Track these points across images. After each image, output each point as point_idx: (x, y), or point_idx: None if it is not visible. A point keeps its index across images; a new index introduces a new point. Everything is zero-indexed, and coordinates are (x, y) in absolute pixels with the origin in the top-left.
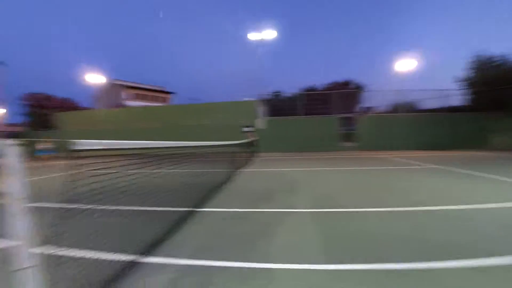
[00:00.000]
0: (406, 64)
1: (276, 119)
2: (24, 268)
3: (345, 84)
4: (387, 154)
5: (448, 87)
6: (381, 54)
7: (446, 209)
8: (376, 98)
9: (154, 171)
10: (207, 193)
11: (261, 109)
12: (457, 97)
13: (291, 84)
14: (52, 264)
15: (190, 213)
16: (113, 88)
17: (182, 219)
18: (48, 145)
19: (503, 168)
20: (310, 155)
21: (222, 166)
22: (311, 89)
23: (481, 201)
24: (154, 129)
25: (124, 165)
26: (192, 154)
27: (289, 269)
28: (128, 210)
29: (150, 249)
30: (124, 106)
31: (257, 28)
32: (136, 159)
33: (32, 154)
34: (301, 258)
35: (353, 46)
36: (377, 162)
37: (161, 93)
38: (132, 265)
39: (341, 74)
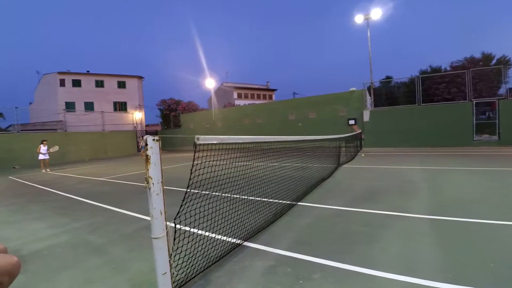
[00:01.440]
0: None
1: (385, 110)
2: (158, 237)
3: (484, 59)
4: None
5: None
6: None
7: None
8: None
9: (260, 164)
10: (307, 188)
11: (368, 100)
12: None
13: (409, 66)
14: (177, 237)
15: (291, 206)
16: (224, 90)
17: (282, 211)
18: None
19: None
20: (427, 151)
21: (325, 160)
22: (434, 70)
23: None
24: (260, 125)
25: (234, 158)
26: (294, 148)
27: (393, 279)
28: (236, 198)
29: (252, 236)
30: (234, 105)
31: (363, 9)
32: (244, 153)
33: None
34: (408, 269)
35: (493, 11)
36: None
37: (265, 90)
38: (236, 247)
39: (479, 47)
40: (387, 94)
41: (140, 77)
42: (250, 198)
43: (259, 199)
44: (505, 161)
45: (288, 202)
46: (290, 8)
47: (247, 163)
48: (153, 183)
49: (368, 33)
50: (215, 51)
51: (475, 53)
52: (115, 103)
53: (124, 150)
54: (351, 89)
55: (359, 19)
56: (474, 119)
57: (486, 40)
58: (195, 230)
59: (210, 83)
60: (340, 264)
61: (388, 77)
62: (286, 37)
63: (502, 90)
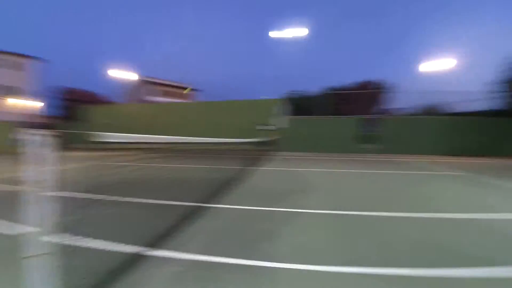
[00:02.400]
0: (435, 65)
1: (299, 118)
2: (36, 255)
3: (373, 84)
4: (411, 158)
5: (478, 90)
6: (411, 54)
7: (469, 218)
8: (403, 99)
9: (175, 165)
10: (221, 189)
11: (284, 108)
12: (488, 100)
13: (317, 83)
14: (64, 252)
15: (203, 209)
16: (140, 84)
17: (194, 214)
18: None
19: None
20: (331, 156)
21: (240, 163)
22: (339, 88)
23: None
24: (177, 125)
25: (143, 158)
26: (211, 150)
27: (296, 269)
28: (141, 202)
29: (159, 242)
30: (150, 102)
31: (282, 26)
32: (158, 153)
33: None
34: (308, 259)
35: (383, 46)
36: (398, 166)
37: (184, 89)
38: (139, 257)
39: (371, 74)
40: (302, 104)
41: (39, 59)
42: (160, 202)
43: (169, 202)
44: (385, 165)
45: (200, 204)
46: (223, 13)
47: (162, 165)
48: (34, 188)
49: (288, 48)
50: (132, 44)
51: (371, 77)
52: (4, 87)
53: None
54: (270, 97)
55: (280, 34)
56: (363, 131)
57: (374, 69)
58: (88, 244)
59: (123, 76)
60: (248, 261)
61: (303, 90)
62: (212, 40)
63: (386, 109)
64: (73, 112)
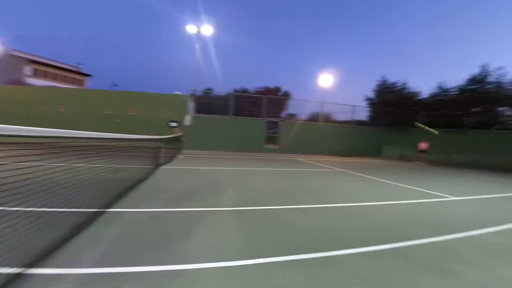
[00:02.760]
0: (327, 79)
1: (205, 117)
2: None
3: (275, 90)
4: (304, 158)
5: (359, 103)
6: (311, 65)
7: (349, 206)
8: (300, 107)
9: (59, 164)
10: (120, 191)
11: (191, 105)
12: (363, 113)
13: (224, 83)
14: None
15: (99, 214)
16: (12, 60)
17: (88, 221)
18: None
19: (391, 172)
20: (235, 155)
21: (142, 161)
22: (243, 91)
23: (379, 199)
24: (64, 115)
25: (17, 156)
26: (109, 146)
27: (208, 268)
28: (17, 210)
29: (44, 258)
30: (25, 84)
31: (197, 22)
32: (35, 149)
33: None
34: (220, 256)
35: (287, 56)
36: (295, 164)
37: (75, 73)
38: (19, 277)
39: (273, 81)
40: (208, 103)
41: None
42: (39, 209)
43: (52, 210)
44: (280, 164)
45: (96, 209)
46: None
47: (40, 164)
48: None
49: (197, 46)
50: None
51: (270, 84)
52: None
53: None
54: (176, 92)
55: (191, 29)
56: (265, 132)
57: (279, 76)
58: None
59: None
60: (157, 267)
61: (209, 89)
62: (118, 24)
63: (284, 114)
64: None
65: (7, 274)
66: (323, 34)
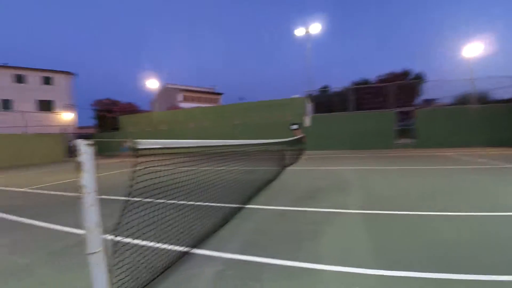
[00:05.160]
0: (474, 50)
1: (324, 116)
2: (94, 252)
3: (403, 74)
4: (452, 152)
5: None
6: (446, 39)
7: None
8: (440, 89)
9: (207, 168)
10: (254, 191)
11: (308, 106)
12: None
13: (341, 78)
14: (117, 250)
15: (238, 210)
16: (168, 92)
17: (230, 215)
18: (128, 144)
19: None
20: (361, 153)
21: (270, 164)
22: (363, 82)
23: None
24: (206, 129)
25: (179, 163)
26: (241, 152)
27: (337, 271)
28: (182, 204)
29: (202, 242)
30: (178, 108)
31: (304, 23)
32: (190, 157)
33: (117, 150)
34: (349, 260)
35: (413, 32)
36: (438, 161)
37: (211, 94)
38: (183, 255)
39: (399, 64)
40: (325, 101)
41: (70, 73)
42: (197, 203)
43: (206, 204)
44: (422, 161)
45: (236, 205)
46: (236, 16)
47: (193, 168)
48: (86, 193)
49: (308, 45)
50: (161, 53)
51: (396, 69)
52: (40, 102)
53: (52, 155)
54: (294, 96)
55: (300, 32)
56: (396, 125)
57: (406, 57)
58: (138, 241)
59: (153, 84)
60: (288, 261)
61: (325, 86)
62: (235, 44)
63: (419, 101)
64: (108, 122)
65: (180, 252)
66: None
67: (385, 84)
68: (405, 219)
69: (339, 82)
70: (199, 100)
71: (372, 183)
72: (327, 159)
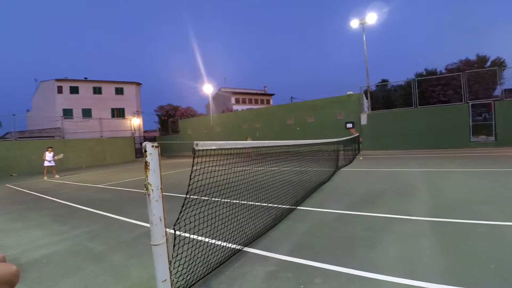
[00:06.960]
0: None
1: (382, 113)
2: (158, 244)
3: (479, 62)
4: None
5: None
6: None
7: None
8: None
9: (260, 168)
10: (307, 192)
11: (365, 103)
12: None
13: (402, 70)
14: (177, 243)
15: (290, 211)
16: (221, 95)
17: (282, 216)
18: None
19: None
20: (425, 153)
21: (324, 164)
22: (429, 73)
23: None
24: (259, 129)
25: (233, 163)
26: (293, 152)
27: (398, 283)
28: (236, 203)
29: (254, 241)
30: (231, 110)
31: (359, 14)
32: (244, 158)
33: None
34: (412, 273)
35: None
36: None
37: (263, 95)
38: (237, 252)
39: (473, 50)
40: (384, 97)
41: (138, 84)
42: (250, 203)
43: (259, 204)
44: (503, 162)
45: (288, 206)
46: (285, 14)
47: (246, 168)
48: (152, 190)
49: (364, 37)
50: (213, 57)
51: (470, 56)
52: (113, 110)
53: (123, 156)
54: (348, 92)
55: (354, 23)
56: (471, 120)
57: (481, 42)
58: (195, 237)
59: (208, 89)
60: (342, 268)
61: (384, 80)
62: (283, 42)
63: (498, 92)
64: (170, 126)
65: (234, 249)
66: None
67: (455, 74)
68: (480, 229)
69: (400, 75)
70: (250, 101)
71: (442, 187)
72: (384, 159)
